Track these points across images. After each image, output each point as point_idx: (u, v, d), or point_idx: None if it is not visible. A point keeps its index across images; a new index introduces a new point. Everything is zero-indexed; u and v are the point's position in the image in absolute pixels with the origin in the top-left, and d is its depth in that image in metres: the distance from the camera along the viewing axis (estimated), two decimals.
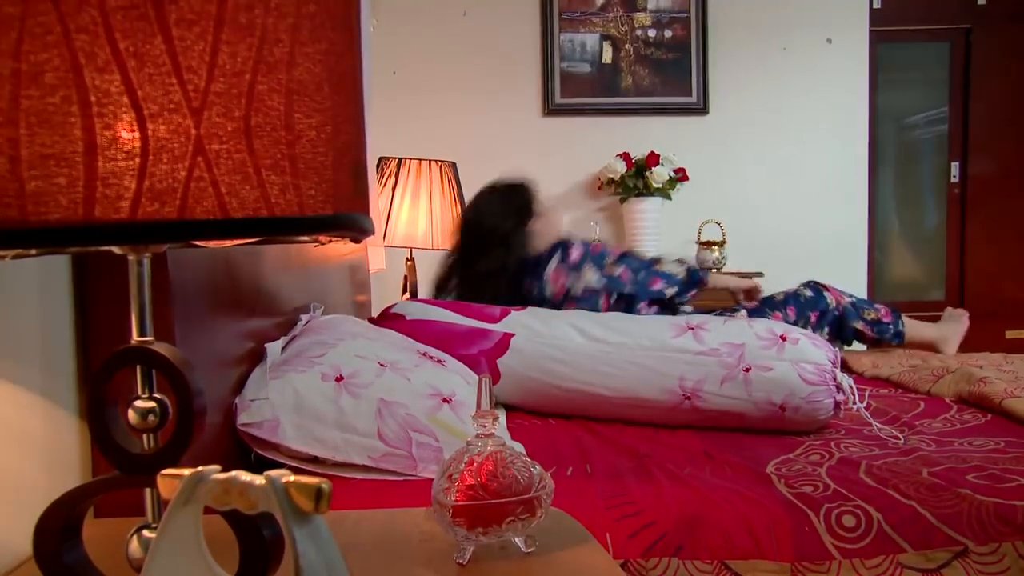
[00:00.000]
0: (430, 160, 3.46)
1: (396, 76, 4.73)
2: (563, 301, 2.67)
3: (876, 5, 5.42)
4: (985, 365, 2.56)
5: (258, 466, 1.45)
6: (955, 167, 5.84)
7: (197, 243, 0.78)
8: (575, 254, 2.75)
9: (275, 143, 0.63)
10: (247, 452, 1.47)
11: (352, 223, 0.69)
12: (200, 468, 0.62)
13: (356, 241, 0.72)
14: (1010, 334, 5.71)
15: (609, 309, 2.62)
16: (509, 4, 4.81)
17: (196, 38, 0.61)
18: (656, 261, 2.76)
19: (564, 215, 4.88)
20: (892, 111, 5.91)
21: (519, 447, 1.58)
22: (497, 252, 2.81)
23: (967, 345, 5.43)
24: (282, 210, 0.64)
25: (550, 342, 1.97)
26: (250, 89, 0.63)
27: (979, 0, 5.69)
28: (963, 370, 2.32)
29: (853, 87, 4.97)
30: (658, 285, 2.67)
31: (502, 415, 1.91)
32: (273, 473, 0.56)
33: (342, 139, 0.68)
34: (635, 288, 2.67)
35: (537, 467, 1.00)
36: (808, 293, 2.86)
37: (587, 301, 2.67)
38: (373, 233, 0.72)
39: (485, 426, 0.99)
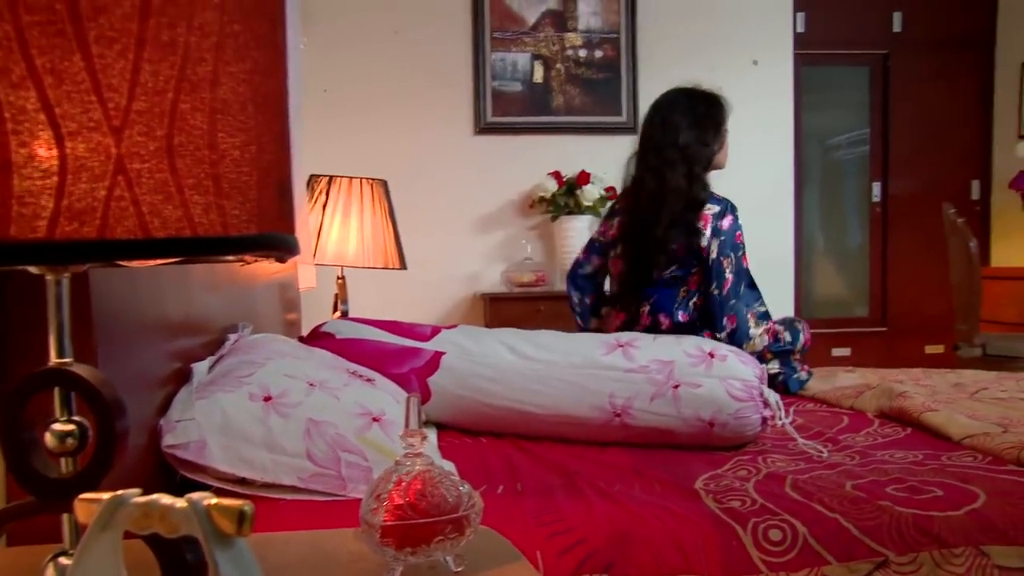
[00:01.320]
0: (361, 178, 3.45)
1: (327, 94, 4.70)
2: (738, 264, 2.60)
3: (800, 29, 5.55)
4: (905, 380, 2.63)
5: (183, 489, 1.42)
6: (876, 187, 6.01)
7: (120, 263, 0.77)
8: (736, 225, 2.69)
9: (198, 162, 0.63)
10: (173, 475, 1.44)
11: (277, 243, 0.68)
12: (119, 492, 0.60)
13: (281, 261, 0.71)
14: (929, 349, 5.88)
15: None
16: (441, 23, 4.82)
17: (117, 56, 0.60)
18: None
19: (496, 233, 4.90)
20: (817, 132, 6.06)
21: (450, 466, 1.58)
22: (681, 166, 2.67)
23: (889, 361, 5.56)
24: (205, 230, 0.63)
25: (480, 360, 1.97)
26: (173, 108, 0.62)
27: (895, 27, 5.87)
28: (884, 385, 2.38)
29: (779, 108, 5.08)
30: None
31: (433, 434, 1.90)
32: (195, 496, 0.56)
33: (267, 158, 0.68)
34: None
35: (466, 486, 0.99)
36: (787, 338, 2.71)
37: (743, 276, 2.64)
38: (299, 253, 0.72)
39: (413, 445, 0.99)
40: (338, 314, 3.47)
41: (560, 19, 4.87)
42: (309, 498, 1.44)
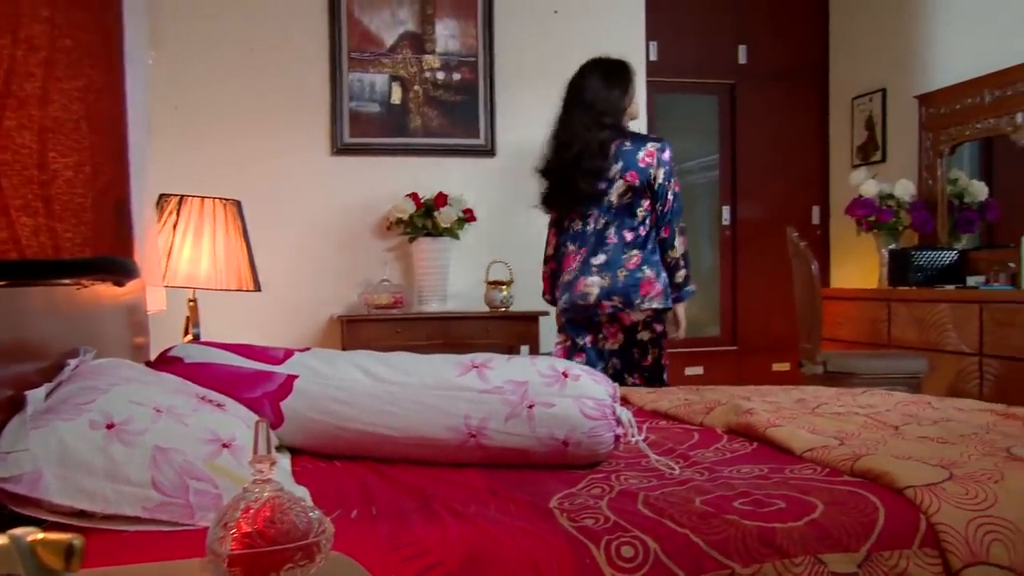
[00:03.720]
0: (214, 198, 3.36)
1: (178, 111, 4.58)
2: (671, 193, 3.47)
3: (653, 57, 5.73)
4: (752, 396, 2.73)
5: (14, 525, 1.35)
6: (726, 210, 6.24)
7: None
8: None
9: (26, 182, 0.60)
10: (2, 511, 1.36)
11: (113, 266, 0.66)
12: None
13: (119, 285, 0.69)
14: (776, 366, 6.12)
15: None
16: (297, 42, 4.76)
17: None
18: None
19: (353, 255, 4.85)
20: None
21: (302, 491, 1.55)
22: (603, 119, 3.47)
23: (739, 378, 5.76)
24: (34, 252, 0.61)
25: (334, 383, 1.95)
26: None
27: (741, 59, 6.13)
28: (732, 402, 2.46)
29: None
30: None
31: (285, 459, 1.86)
32: (17, 531, 0.53)
33: (103, 179, 0.66)
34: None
35: (317, 512, 0.98)
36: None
37: (678, 200, 3.48)
38: (137, 276, 0.69)
39: (262, 471, 0.97)
40: (189, 337, 3.37)
41: (418, 41, 4.89)
42: (155, 528, 1.39)
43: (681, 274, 3.50)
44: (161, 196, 3.33)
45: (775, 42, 6.22)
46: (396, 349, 2.23)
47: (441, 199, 4.67)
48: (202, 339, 3.34)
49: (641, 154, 3.43)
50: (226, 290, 3.39)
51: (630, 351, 3.51)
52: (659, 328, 3.51)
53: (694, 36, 6.09)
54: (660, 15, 5.65)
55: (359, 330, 4.51)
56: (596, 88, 3.52)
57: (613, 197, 3.44)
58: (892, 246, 5.25)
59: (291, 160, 4.77)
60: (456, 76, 4.94)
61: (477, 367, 1.97)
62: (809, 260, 4.45)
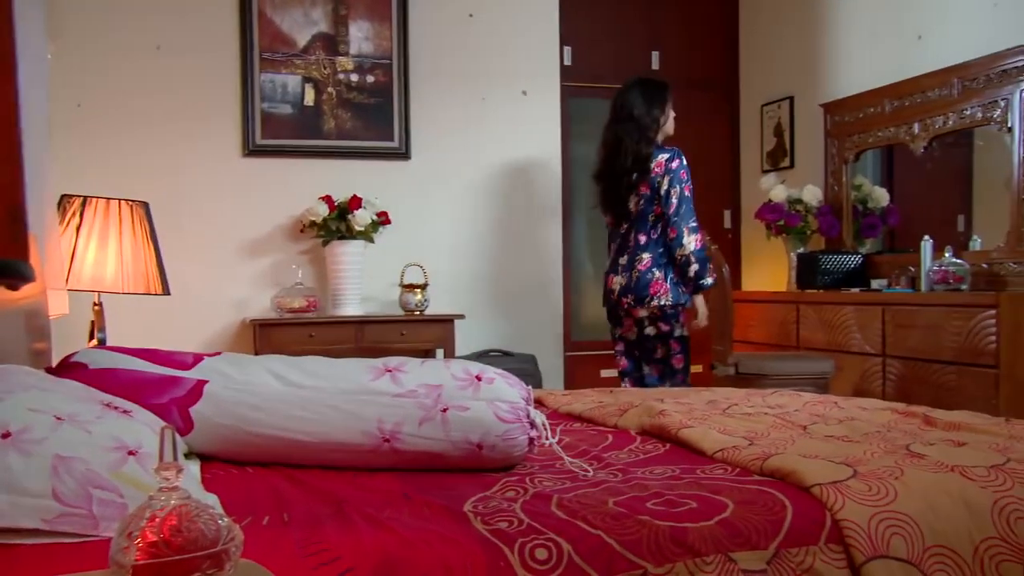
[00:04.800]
0: (120, 199, 3.27)
1: (82, 109, 4.45)
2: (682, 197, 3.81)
3: (567, 62, 5.77)
4: (665, 398, 2.77)
5: None
6: None
7: None
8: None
9: None
10: None
11: (6, 269, 0.64)
12: None
13: (13, 288, 0.67)
14: (693, 368, 6.21)
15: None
16: (207, 40, 4.68)
17: None
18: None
19: (265, 258, 4.79)
20: (585, 161, 6.29)
21: (212, 499, 1.52)
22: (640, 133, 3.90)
23: None
24: None
25: (245, 388, 1.91)
26: None
27: (654, 65, 6.22)
28: (645, 404, 2.49)
29: (547, 137, 5.26)
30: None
31: (195, 466, 1.82)
32: None
33: None
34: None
35: (226, 519, 0.96)
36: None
37: (685, 203, 3.82)
38: (33, 280, 0.67)
39: (169, 479, 0.95)
40: (94, 342, 3.28)
41: (331, 43, 4.84)
42: (56, 541, 1.35)
43: (693, 269, 3.80)
44: (63, 197, 3.23)
45: (687, 50, 6.32)
46: (310, 353, 2.20)
47: (355, 202, 4.63)
48: (108, 344, 3.25)
49: (652, 164, 3.83)
50: (133, 293, 3.30)
51: (642, 344, 3.95)
52: (664, 327, 3.88)
53: (608, 42, 6.15)
54: (574, 20, 5.70)
55: (272, 334, 4.44)
56: (640, 104, 3.94)
57: (631, 204, 3.91)
58: (800, 250, 5.38)
59: (201, 161, 4.68)
60: (370, 78, 4.91)
61: (391, 371, 1.96)
62: (720, 263, 4.53)
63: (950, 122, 4.70)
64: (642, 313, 3.86)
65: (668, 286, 3.80)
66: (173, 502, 0.94)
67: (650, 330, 3.88)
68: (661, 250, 3.84)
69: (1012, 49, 4.31)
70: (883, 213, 5.22)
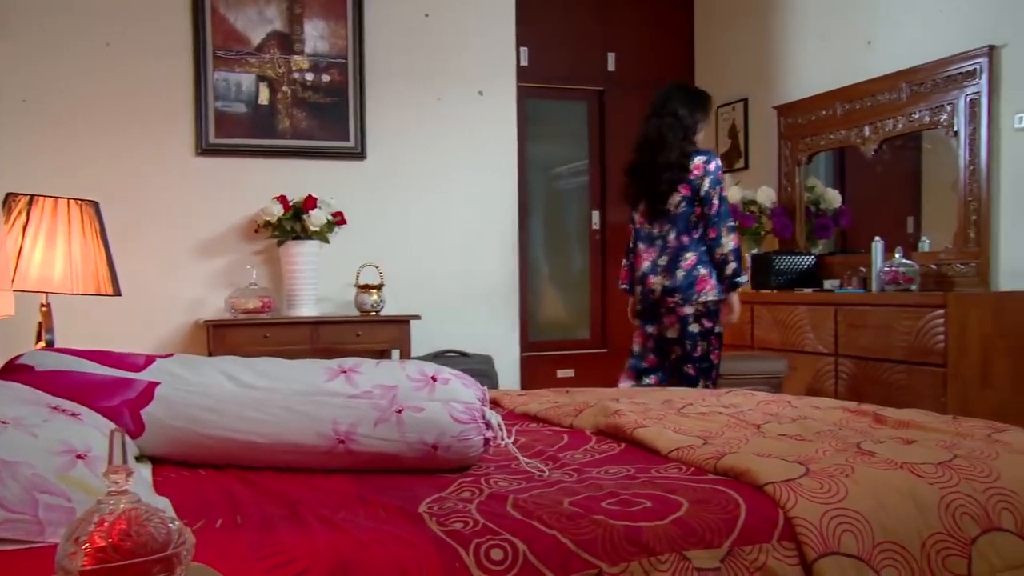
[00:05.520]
0: (68, 199, 3.22)
1: (27, 105, 4.37)
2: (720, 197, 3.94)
3: (524, 63, 5.78)
4: (621, 398, 2.78)
5: None
6: (595, 215, 6.34)
7: None
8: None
9: None
10: None
11: None
12: None
13: None
14: None
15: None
16: (158, 37, 4.61)
17: None
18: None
19: (219, 258, 4.74)
20: (541, 162, 6.32)
21: (164, 502, 1.50)
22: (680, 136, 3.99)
23: (610, 380, 5.85)
24: None
25: (198, 389, 1.89)
26: None
27: (610, 67, 6.25)
28: (601, 404, 2.50)
29: (504, 138, 5.26)
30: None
31: (146, 469, 1.80)
32: None
33: None
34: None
35: (176, 522, 0.95)
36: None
37: (724, 204, 3.95)
38: None
39: (118, 483, 0.93)
40: (41, 344, 3.22)
41: (287, 41, 4.81)
42: (0, 548, 1.32)
43: (731, 267, 3.91)
44: (8, 196, 3.17)
45: (643, 51, 6.36)
46: (264, 354, 2.18)
47: (310, 202, 4.60)
48: (56, 346, 3.20)
49: (691, 166, 3.92)
50: (83, 294, 3.25)
51: (684, 342, 3.99)
52: (708, 324, 3.97)
53: (564, 43, 6.18)
54: (531, 22, 5.71)
55: (226, 335, 4.40)
56: (683, 105, 4.03)
57: (671, 206, 3.97)
58: (755, 251, 5.43)
59: (153, 160, 4.61)
60: (325, 77, 4.87)
61: (346, 372, 1.94)
62: None
63: (899, 125, 4.78)
64: (688, 310, 3.94)
65: (713, 282, 3.93)
66: (122, 506, 0.92)
67: (694, 327, 3.96)
68: (704, 248, 3.94)
69: (957, 55, 4.40)
70: (835, 214, 5.30)
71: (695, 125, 4.03)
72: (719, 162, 3.97)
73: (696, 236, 3.95)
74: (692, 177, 3.91)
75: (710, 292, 3.92)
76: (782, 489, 1.61)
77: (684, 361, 4.01)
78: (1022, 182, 4.19)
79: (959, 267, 4.41)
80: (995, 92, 4.27)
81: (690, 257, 3.95)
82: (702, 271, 3.93)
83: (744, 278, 4.00)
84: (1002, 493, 1.70)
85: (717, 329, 3.99)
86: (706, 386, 3.93)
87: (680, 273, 3.95)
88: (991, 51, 4.26)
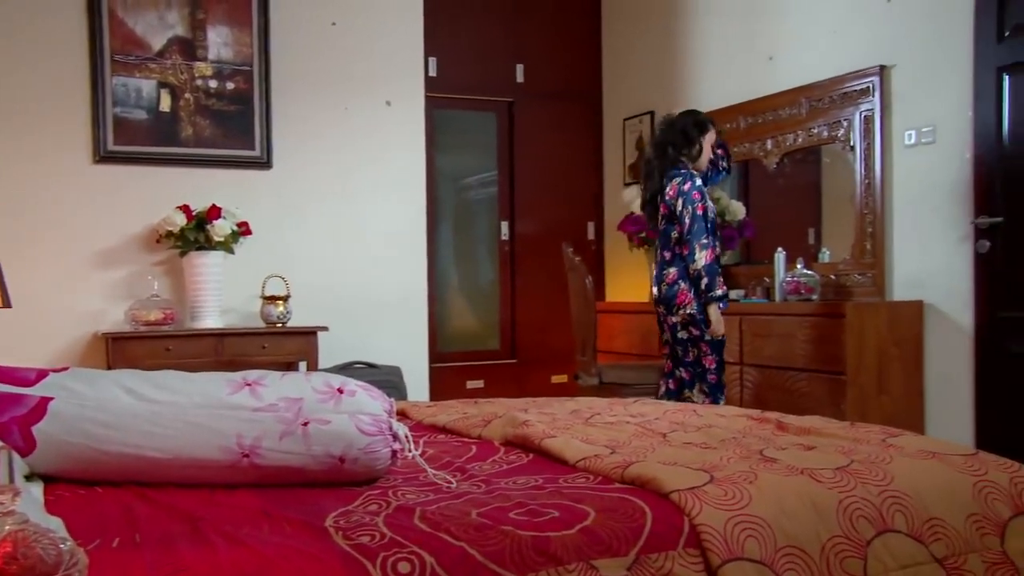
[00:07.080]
0: None
1: None
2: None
3: (432, 73, 5.78)
4: (529, 408, 2.79)
5: None
6: (504, 226, 6.36)
7: None
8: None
9: None
10: None
11: None
12: None
13: None
14: (555, 379, 6.30)
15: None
16: (52, 39, 4.47)
17: None
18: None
19: (119, 269, 4.61)
20: (450, 172, 6.32)
21: (56, 522, 1.44)
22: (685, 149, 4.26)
23: (520, 390, 5.86)
24: None
25: (94, 404, 1.83)
26: None
27: (519, 78, 6.29)
28: (509, 415, 2.50)
29: (412, 148, 5.23)
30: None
31: (38, 488, 1.73)
32: None
33: None
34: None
35: (69, 542, 0.91)
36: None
37: (697, 221, 4.07)
38: None
39: (3, 503, 0.90)
40: None
41: (189, 47, 4.71)
42: None
43: (703, 282, 4.07)
44: None
45: (551, 63, 6.42)
46: (166, 367, 2.13)
47: (214, 212, 4.50)
48: None
49: (668, 188, 4.19)
50: None
51: (675, 348, 4.25)
52: (695, 332, 4.15)
53: (473, 53, 6.20)
54: (439, 32, 5.71)
55: (126, 348, 4.28)
56: (673, 134, 4.28)
57: (659, 224, 4.30)
58: None
59: (47, 167, 4.46)
60: (230, 85, 4.78)
61: (250, 385, 1.91)
62: (584, 274, 4.60)
63: (799, 139, 4.92)
64: (674, 320, 4.19)
65: (691, 296, 4.12)
66: (8, 527, 0.88)
67: (683, 334, 4.18)
68: (684, 264, 4.15)
69: (851, 73, 4.55)
70: (740, 226, 5.41)
71: (683, 149, 4.25)
72: (697, 182, 4.15)
73: (678, 251, 4.19)
74: (668, 198, 4.18)
75: (688, 306, 4.12)
76: (687, 497, 1.63)
77: (678, 366, 4.25)
78: (914, 196, 4.34)
79: (857, 277, 4.55)
80: (887, 110, 4.43)
81: (672, 272, 4.20)
82: (682, 285, 4.14)
83: (718, 293, 4.11)
84: (895, 496, 1.76)
85: (706, 337, 4.13)
86: (701, 391, 4.15)
87: (664, 287, 4.22)
88: (882, 70, 4.42)
